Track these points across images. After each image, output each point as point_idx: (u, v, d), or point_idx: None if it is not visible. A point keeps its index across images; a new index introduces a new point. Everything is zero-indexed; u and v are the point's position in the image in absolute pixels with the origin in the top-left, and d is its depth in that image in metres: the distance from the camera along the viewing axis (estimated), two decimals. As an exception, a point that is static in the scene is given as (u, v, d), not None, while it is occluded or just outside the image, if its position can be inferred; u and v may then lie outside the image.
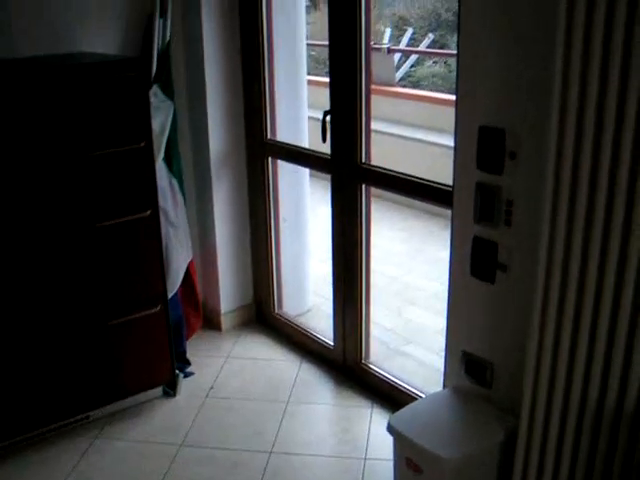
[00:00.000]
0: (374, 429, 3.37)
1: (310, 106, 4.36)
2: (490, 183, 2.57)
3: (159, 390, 3.65)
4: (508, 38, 2.42)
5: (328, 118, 3.46)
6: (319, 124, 3.49)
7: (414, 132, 7.32)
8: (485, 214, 2.62)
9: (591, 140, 2.07)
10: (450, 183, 2.81)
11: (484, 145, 2.56)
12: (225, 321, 4.31)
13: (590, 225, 2.14)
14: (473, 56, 2.57)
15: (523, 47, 2.38)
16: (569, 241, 2.19)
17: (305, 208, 4.46)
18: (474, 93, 2.59)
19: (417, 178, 3.14)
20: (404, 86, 9.70)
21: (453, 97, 2.73)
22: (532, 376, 2.39)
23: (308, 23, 8.75)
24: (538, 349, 2.35)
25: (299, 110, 4.24)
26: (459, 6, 2.58)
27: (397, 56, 9.30)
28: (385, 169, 3.32)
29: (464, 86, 2.63)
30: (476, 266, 2.72)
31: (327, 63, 3.48)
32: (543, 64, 2.23)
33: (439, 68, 11.01)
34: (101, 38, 3.57)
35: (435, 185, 3.03)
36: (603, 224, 2.12)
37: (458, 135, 2.68)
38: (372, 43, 8.25)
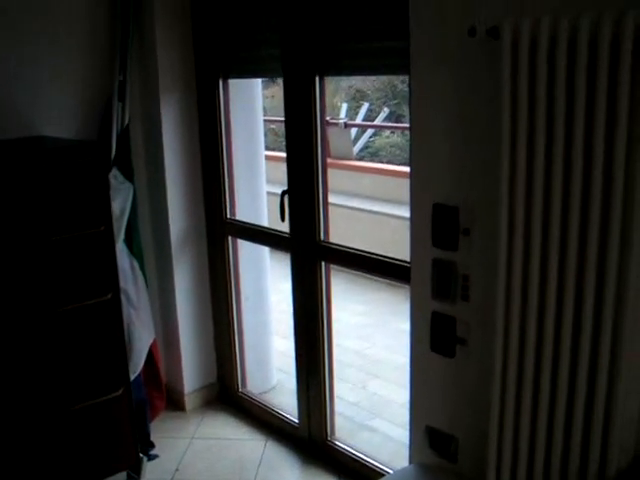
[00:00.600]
0: (342, 507, 3.35)
1: (270, 181, 4.42)
2: (446, 259, 2.63)
3: (123, 475, 3.58)
4: (459, 118, 2.50)
5: (286, 196, 3.52)
6: (279, 200, 3.55)
7: (372, 204, 7.43)
8: (442, 289, 2.67)
9: (540, 215, 2.14)
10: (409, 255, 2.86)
11: (438, 222, 2.62)
12: (189, 401, 4.27)
13: (544, 298, 2.20)
14: (425, 136, 2.64)
15: (473, 126, 2.46)
16: (524, 314, 2.24)
17: (266, 285, 4.48)
18: (427, 171, 2.66)
19: (375, 255, 3.19)
20: (363, 157, 9.87)
21: (408, 169, 2.79)
22: (495, 448, 2.41)
23: (266, 97, 8.91)
24: (499, 422, 2.38)
25: (258, 188, 4.30)
26: (410, 86, 2.66)
27: (355, 128, 9.48)
28: (344, 247, 3.36)
29: (417, 164, 2.70)
30: (436, 341, 2.75)
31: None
32: (493, 142, 2.30)
33: (397, 138, 11.20)
34: (59, 122, 3.61)
35: (393, 262, 3.07)
36: (556, 297, 2.17)
37: (413, 212, 2.74)
38: (329, 118, 8.44)
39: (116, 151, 3.66)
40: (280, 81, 3.50)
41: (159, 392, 4.08)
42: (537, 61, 2.06)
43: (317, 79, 3.27)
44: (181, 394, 4.26)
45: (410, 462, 3.02)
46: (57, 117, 3.61)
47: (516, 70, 2.10)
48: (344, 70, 3.34)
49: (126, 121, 3.71)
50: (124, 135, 3.70)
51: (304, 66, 3.29)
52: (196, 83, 3.93)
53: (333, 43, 3.19)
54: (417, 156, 2.70)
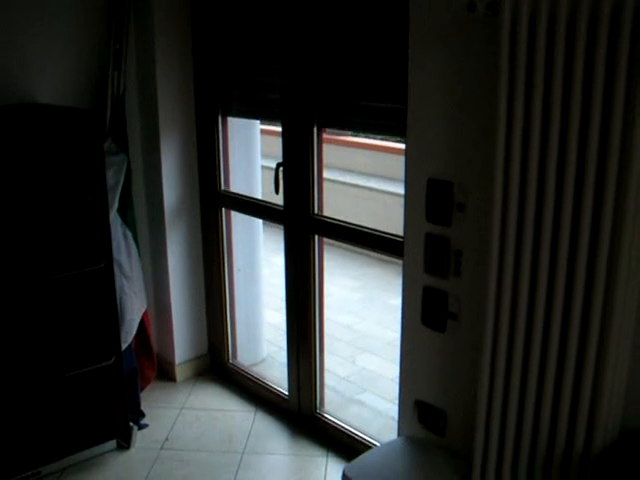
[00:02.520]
0: (329, 479, 3.37)
1: (266, 155, 4.41)
2: (439, 234, 2.64)
3: (113, 443, 3.61)
4: (455, 94, 2.50)
5: (281, 169, 3.52)
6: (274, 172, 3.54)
7: (367, 180, 7.42)
8: (435, 264, 2.68)
9: (534, 191, 2.15)
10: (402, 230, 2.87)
11: (433, 197, 2.62)
12: (180, 372, 4.29)
13: (535, 274, 2.21)
14: (421, 112, 2.64)
15: (469, 104, 2.46)
16: (516, 290, 2.26)
17: (259, 258, 4.49)
18: (422, 147, 2.66)
19: (368, 229, 3.20)
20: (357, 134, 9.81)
21: (404, 146, 2.79)
22: (483, 422, 2.44)
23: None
24: (488, 396, 2.40)
25: (253, 161, 4.29)
26: (407, 63, 2.66)
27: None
28: (337, 220, 3.37)
29: (413, 140, 2.70)
30: (427, 315, 2.77)
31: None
32: (488, 118, 2.30)
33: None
34: (53, 89, 3.59)
35: (386, 236, 3.08)
36: (548, 273, 2.18)
37: (408, 187, 2.75)
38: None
39: (110, 120, 3.65)
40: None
41: (150, 362, 4.10)
42: (536, 37, 2.05)
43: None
44: (172, 365, 4.28)
45: (398, 435, 3.04)
46: (51, 85, 3.58)
47: (515, 46, 2.10)
48: (343, 125, 3.39)
49: (122, 90, 3.70)
50: (119, 104, 3.69)
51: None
52: (192, 58, 3.93)
53: (333, 98, 3.25)
54: (413, 131, 2.69)
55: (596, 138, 2.02)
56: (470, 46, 2.41)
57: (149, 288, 4.18)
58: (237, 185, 4.09)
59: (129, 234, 3.75)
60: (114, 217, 3.59)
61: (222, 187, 4.04)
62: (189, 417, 3.92)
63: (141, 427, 3.77)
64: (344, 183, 7.32)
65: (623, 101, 1.96)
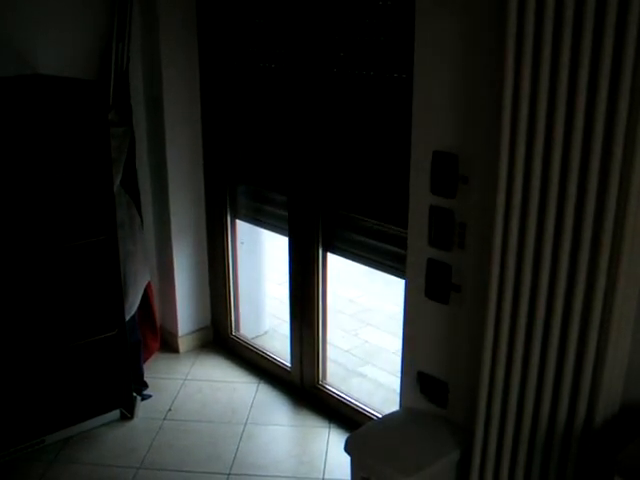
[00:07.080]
0: (331, 449, 3.39)
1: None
2: (444, 207, 2.63)
3: (116, 413, 3.63)
4: (461, 68, 2.49)
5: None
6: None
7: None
8: (439, 237, 2.68)
9: (540, 163, 2.14)
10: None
11: (438, 169, 2.62)
12: (183, 343, 4.31)
13: (540, 246, 2.21)
14: (427, 84, 2.63)
15: (475, 76, 2.45)
16: (520, 262, 2.26)
17: (262, 230, 4.48)
18: (428, 119, 2.65)
19: (373, 201, 3.19)
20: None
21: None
22: (486, 394, 2.45)
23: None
24: (491, 368, 2.41)
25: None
26: (413, 36, 2.64)
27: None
28: (342, 193, 3.36)
29: (419, 112, 2.69)
30: (431, 287, 2.77)
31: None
32: (494, 90, 2.29)
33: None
34: (58, 61, 3.56)
35: (391, 207, 3.08)
36: (552, 246, 2.18)
37: (413, 159, 2.74)
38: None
39: (114, 92, 3.63)
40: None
41: (153, 333, 4.12)
42: (544, 6, 2.03)
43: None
44: (175, 336, 4.30)
45: (400, 406, 3.06)
46: (55, 56, 3.56)
47: (522, 16, 2.08)
48: (346, 255, 3.54)
49: (125, 62, 3.68)
50: (123, 76, 3.67)
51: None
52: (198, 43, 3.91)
53: (339, 230, 3.44)
54: (418, 103, 2.68)
55: (603, 110, 2.01)
56: (477, 16, 2.39)
57: (152, 260, 4.19)
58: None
59: (133, 206, 3.74)
60: (118, 189, 3.58)
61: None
62: (192, 388, 3.94)
63: (144, 398, 3.79)
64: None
65: (632, 70, 1.94)
